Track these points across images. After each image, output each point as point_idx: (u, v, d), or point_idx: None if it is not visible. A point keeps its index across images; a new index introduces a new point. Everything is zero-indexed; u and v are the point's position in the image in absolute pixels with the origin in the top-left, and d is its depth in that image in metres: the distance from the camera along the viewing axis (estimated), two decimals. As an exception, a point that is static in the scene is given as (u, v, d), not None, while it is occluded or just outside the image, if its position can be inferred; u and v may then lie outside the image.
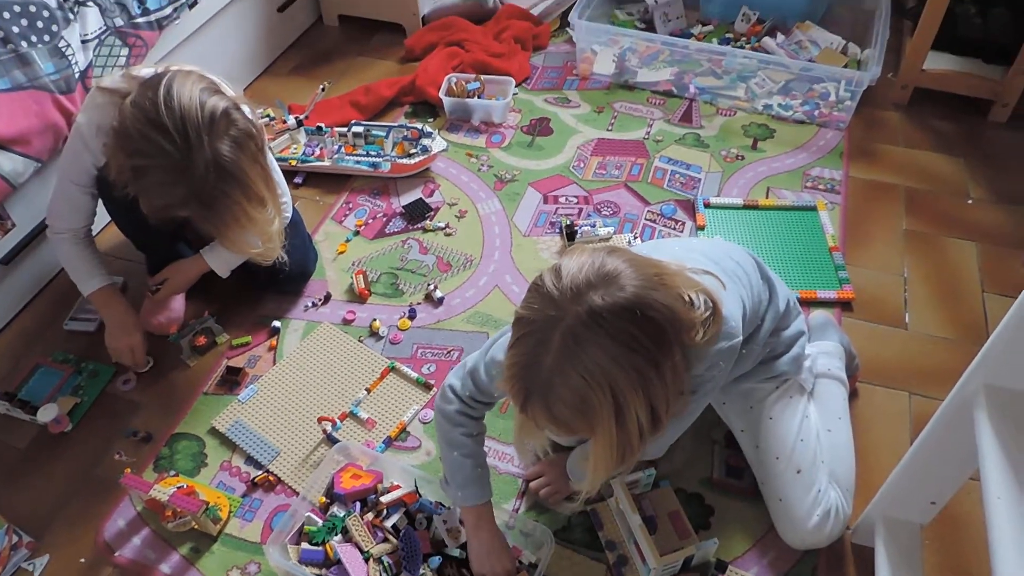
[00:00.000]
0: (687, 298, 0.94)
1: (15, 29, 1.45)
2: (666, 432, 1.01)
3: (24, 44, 1.46)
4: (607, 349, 0.85)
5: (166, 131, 1.14)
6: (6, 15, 1.43)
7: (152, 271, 1.59)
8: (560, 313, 0.86)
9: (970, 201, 1.85)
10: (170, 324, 1.56)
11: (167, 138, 1.14)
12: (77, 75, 1.55)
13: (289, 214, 1.54)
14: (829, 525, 1.19)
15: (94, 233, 1.52)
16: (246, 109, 1.27)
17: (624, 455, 0.92)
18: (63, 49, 1.52)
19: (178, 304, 1.59)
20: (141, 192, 1.21)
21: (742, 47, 2.24)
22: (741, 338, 1.06)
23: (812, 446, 1.22)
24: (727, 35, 2.31)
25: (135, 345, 1.48)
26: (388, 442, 1.39)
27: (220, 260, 1.52)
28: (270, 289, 1.66)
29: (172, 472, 1.36)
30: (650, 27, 2.34)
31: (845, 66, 2.13)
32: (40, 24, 1.49)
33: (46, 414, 1.40)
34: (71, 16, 1.55)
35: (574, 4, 2.23)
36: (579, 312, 0.85)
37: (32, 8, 1.47)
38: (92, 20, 1.59)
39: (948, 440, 0.99)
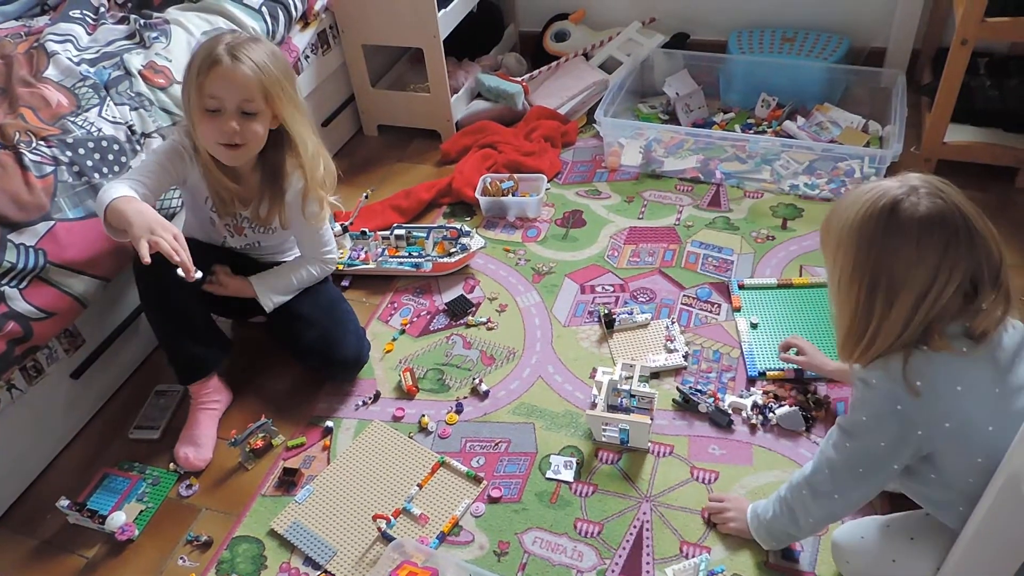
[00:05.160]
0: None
1: (89, 163, 1.58)
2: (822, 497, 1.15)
3: (96, 175, 1.59)
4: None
5: None
6: (81, 151, 1.58)
7: (178, 370, 1.64)
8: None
9: (1006, 268, 1.85)
10: (198, 461, 1.59)
11: None
12: (143, 199, 1.68)
13: (328, 266, 1.75)
14: None
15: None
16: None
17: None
18: (131, 177, 1.66)
19: (208, 441, 1.62)
20: None
21: (764, 132, 2.33)
22: (900, 407, 1.03)
23: None
24: (748, 120, 2.40)
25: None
26: (442, 537, 1.41)
27: (265, 290, 1.65)
28: (326, 378, 1.74)
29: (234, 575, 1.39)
30: (673, 118, 2.45)
31: (867, 144, 2.20)
32: (111, 157, 1.62)
33: (114, 522, 1.46)
34: (138, 147, 1.69)
35: (599, 102, 2.35)
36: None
37: (104, 143, 1.62)
38: (157, 149, 1.74)
39: (1001, 516, 0.98)
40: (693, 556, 1.33)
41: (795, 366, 1.60)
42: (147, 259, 1.29)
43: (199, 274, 1.37)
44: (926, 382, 1.02)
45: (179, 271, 1.33)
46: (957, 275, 0.99)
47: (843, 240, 1.05)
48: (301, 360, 1.73)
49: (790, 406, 1.54)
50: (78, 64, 1.71)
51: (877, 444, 1.08)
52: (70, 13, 1.90)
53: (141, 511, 1.52)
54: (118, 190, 1.41)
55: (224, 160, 1.53)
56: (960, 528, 1.08)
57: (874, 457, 1.09)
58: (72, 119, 1.60)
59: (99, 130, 1.62)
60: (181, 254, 1.33)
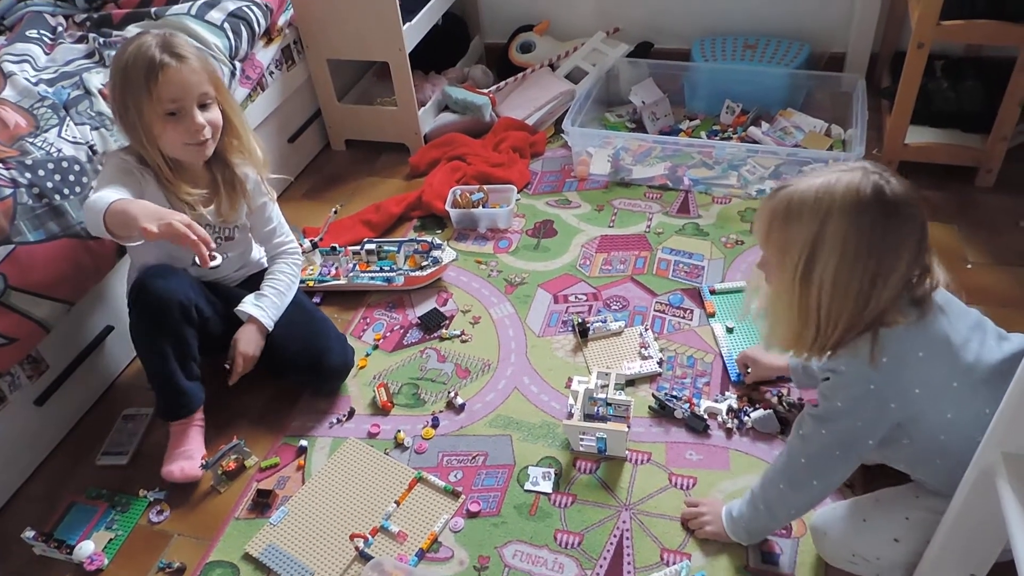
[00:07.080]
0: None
1: (49, 184, 1.55)
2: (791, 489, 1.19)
3: (57, 197, 1.55)
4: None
5: None
6: (41, 172, 1.54)
7: (167, 407, 1.58)
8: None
9: (969, 266, 1.89)
10: (193, 471, 1.55)
11: None
12: (106, 221, 1.64)
13: (296, 257, 1.76)
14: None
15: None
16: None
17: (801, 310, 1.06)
18: (93, 198, 1.62)
19: (199, 455, 1.59)
20: None
21: (729, 138, 2.35)
22: (873, 387, 1.07)
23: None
24: (714, 127, 2.43)
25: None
26: (420, 554, 1.40)
27: (262, 315, 1.62)
28: (313, 390, 1.72)
29: (208, 602, 1.36)
30: (640, 127, 2.47)
31: (831, 147, 2.23)
32: (72, 178, 1.59)
33: (83, 552, 1.42)
34: (100, 168, 1.66)
35: (566, 112, 2.36)
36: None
37: (64, 164, 1.58)
38: (119, 169, 1.70)
39: (976, 511, 1.00)
40: (674, 563, 1.33)
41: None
42: (155, 230, 1.25)
43: (218, 259, 1.34)
44: (891, 356, 1.06)
45: (195, 259, 1.30)
46: (923, 245, 1.05)
47: (831, 226, 1.01)
48: (286, 376, 1.70)
49: (765, 409, 1.55)
50: (36, 84, 1.67)
51: (854, 425, 1.12)
52: (27, 33, 1.87)
53: (110, 539, 1.48)
54: (110, 195, 1.36)
55: (195, 159, 1.52)
56: (939, 484, 1.14)
57: (852, 438, 1.13)
58: (31, 140, 1.56)
59: (59, 151, 1.59)
60: (197, 231, 1.29)
